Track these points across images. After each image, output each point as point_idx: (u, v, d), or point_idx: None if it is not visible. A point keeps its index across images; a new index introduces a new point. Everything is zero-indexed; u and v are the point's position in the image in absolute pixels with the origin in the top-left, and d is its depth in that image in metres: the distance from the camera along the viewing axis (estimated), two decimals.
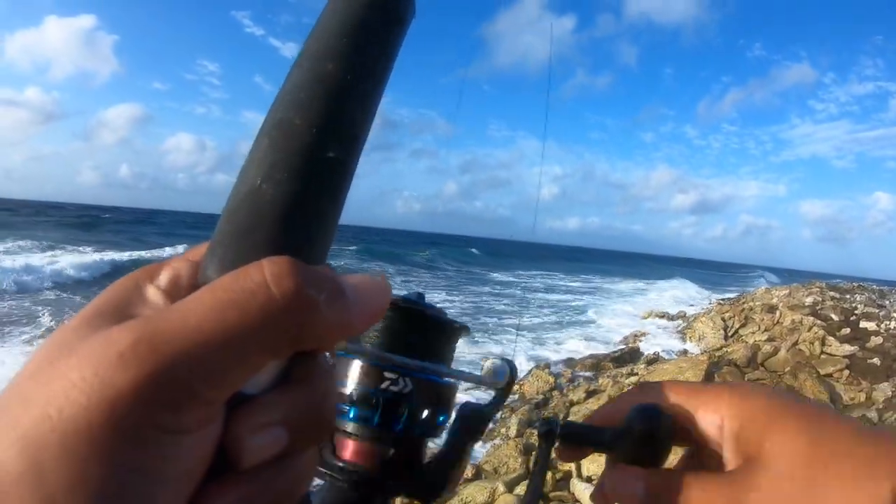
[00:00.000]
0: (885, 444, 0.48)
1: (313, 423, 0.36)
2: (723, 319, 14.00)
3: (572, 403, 8.85)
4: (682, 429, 0.56)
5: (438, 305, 0.65)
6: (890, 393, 8.44)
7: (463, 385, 0.67)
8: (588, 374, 10.79)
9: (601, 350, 13.26)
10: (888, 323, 13.23)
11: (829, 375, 9.26)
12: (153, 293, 0.36)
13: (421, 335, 0.62)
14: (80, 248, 27.35)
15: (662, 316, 18.54)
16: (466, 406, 0.65)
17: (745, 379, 8.19)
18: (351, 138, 0.37)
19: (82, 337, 0.31)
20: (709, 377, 7.94)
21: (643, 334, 15.36)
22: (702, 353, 10.67)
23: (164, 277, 0.37)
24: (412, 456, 0.62)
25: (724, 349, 11.57)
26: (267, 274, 0.31)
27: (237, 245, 0.34)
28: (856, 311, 14.46)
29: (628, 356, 12.30)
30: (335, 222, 0.37)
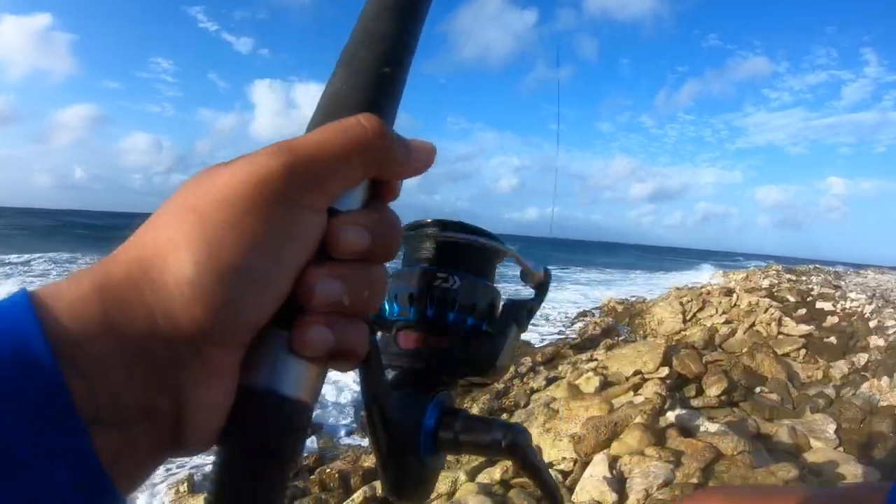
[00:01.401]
0: None
1: (388, 234, 0.46)
2: (681, 304, 13.96)
3: (533, 391, 8.77)
4: None
5: None
6: (846, 370, 8.48)
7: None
8: (548, 361, 10.76)
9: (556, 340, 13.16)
10: (843, 303, 13.41)
11: (787, 355, 9.26)
12: None
13: (468, 248, 0.71)
14: None
15: (621, 303, 18.51)
16: (510, 300, 0.75)
17: (704, 361, 8.11)
18: (398, 60, 0.52)
19: (228, 163, 0.42)
20: (666, 360, 7.90)
21: (601, 321, 15.28)
22: (660, 338, 10.59)
23: None
24: (466, 344, 0.70)
25: (683, 332, 11.63)
26: (361, 118, 0.44)
27: (331, 117, 0.46)
28: (812, 293, 14.62)
29: (588, 342, 12.25)
30: (393, 114, 0.51)
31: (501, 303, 0.74)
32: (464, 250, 0.71)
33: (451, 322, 0.68)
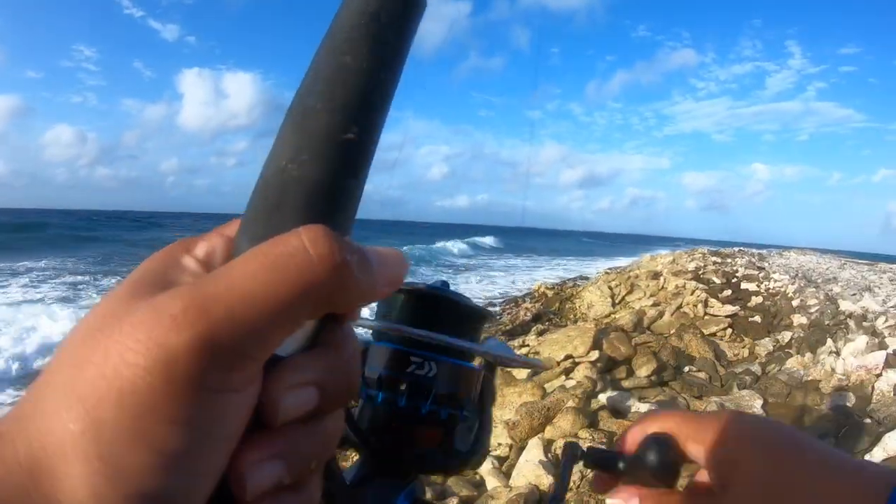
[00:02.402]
0: (845, 481, 0.51)
1: (341, 383, 0.39)
2: (609, 288, 14.12)
3: None
4: (685, 454, 0.61)
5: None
6: (771, 347, 8.72)
7: None
8: None
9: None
10: (767, 283, 13.92)
11: (714, 335, 9.46)
12: (191, 263, 0.38)
13: (446, 320, 0.65)
14: None
15: (551, 289, 18.56)
16: (488, 372, 0.70)
17: (633, 343, 8.22)
18: (369, 119, 0.40)
19: (129, 305, 0.33)
20: (596, 344, 7.95)
21: (532, 306, 15.38)
22: (590, 322, 10.65)
23: (200, 250, 0.39)
24: (441, 435, 0.65)
25: (612, 316, 11.75)
26: (304, 239, 0.33)
27: (268, 220, 0.37)
28: (737, 274, 15.09)
29: (520, 329, 12.31)
30: (357, 196, 0.40)
31: (481, 377, 0.69)
32: (443, 319, 0.65)
33: (425, 414, 0.63)
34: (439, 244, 45.97)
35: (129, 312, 0.32)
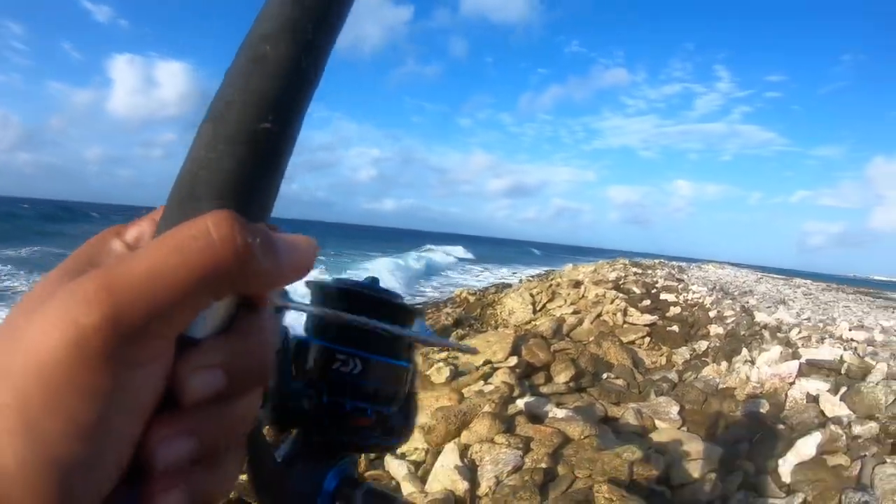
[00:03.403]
0: None
1: (251, 369, 0.40)
2: (531, 295, 14.16)
3: None
4: None
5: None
6: (688, 356, 8.85)
7: None
8: None
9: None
10: (686, 294, 14.18)
11: (632, 343, 9.56)
12: (118, 246, 0.41)
13: (377, 316, 0.63)
14: None
15: (473, 294, 18.53)
16: (414, 366, 0.70)
17: (552, 349, 8.28)
18: (287, 111, 0.40)
19: (55, 287, 0.36)
20: (515, 349, 7.98)
21: (455, 311, 15.32)
22: (510, 328, 10.62)
23: (129, 234, 0.42)
24: (371, 423, 0.65)
25: (533, 322, 11.77)
26: (209, 223, 0.35)
27: (184, 206, 0.38)
28: (657, 285, 15.37)
29: (440, 333, 11.93)
30: (273, 186, 0.40)
31: (410, 373, 0.69)
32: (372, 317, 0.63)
33: (349, 410, 0.64)
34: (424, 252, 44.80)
35: (53, 294, 0.34)
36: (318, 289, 0.68)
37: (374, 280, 0.69)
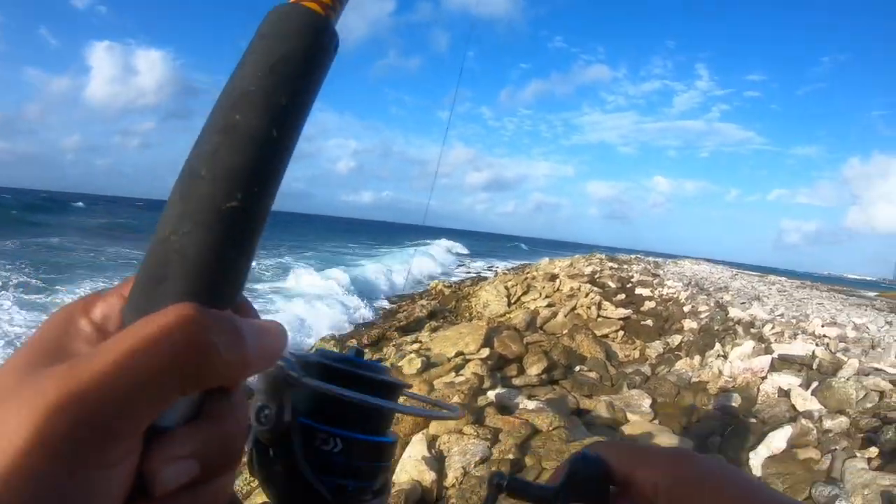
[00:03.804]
0: None
1: (223, 454, 0.39)
2: (506, 288, 14.19)
3: None
4: (621, 482, 0.59)
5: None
6: (661, 350, 8.89)
7: None
8: (373, 343, 10.70)
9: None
10: (661, 289, 14.22)
11: (606, 336, 9.57)
12: (86, 328, 0.39)
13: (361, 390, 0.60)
14: None
15: (448, 287, 18.56)
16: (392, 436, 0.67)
17: (524, 341, 8.23)
18: (257, 186, 0.38)
19: (22, 379, 0.35)
20: (488, 341, 7.94)
21: (429, 303, 15.39)
22: (483, 320, 10.59)
23: (97, 311, 0.40)
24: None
25: (508, 315, 11.77)
26: (172, 319, 0.35)
27: (150, 292, 0.37)
28: (632, 280, 15.46)
29: (414, 325, 12.30)
30: (243, 266, 0.39)
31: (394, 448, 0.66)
32: (351, 406, 0.60)
33: (332, 487, 0.59)
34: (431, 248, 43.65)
35: (19, 390, 0.34)
36: (301, 363, 0.63)
37: (360, 352, 0.67)
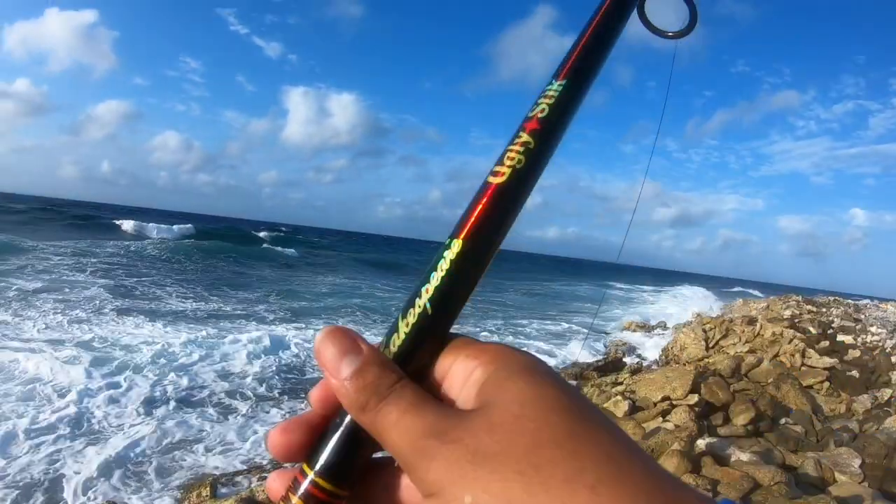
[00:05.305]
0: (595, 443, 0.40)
1: None
2: (704, 331, 14.03)
3: None
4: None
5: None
6: (869, 405, 8.57)
7: None
8: (573, 382, 10.75)
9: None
10: (864, 336, 13.34)
11: (811, 387, 9.34)
12: None
13: None
14: None
15: (642, 327, 18.69)
16: None
17: (731, 389, 8.26)
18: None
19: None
20: (695, 387, 8.01)
21: (623, 344, 15.55)
22: (687, 363, 10.73)
23: None
24: None
25: (706, 360, 11.63)
26: None
27: None
28: (833, 325, 14.57)
29: (611, 366, 12.37)
30: None
31: None
32: None
33: None
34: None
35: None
36: None
37: None
